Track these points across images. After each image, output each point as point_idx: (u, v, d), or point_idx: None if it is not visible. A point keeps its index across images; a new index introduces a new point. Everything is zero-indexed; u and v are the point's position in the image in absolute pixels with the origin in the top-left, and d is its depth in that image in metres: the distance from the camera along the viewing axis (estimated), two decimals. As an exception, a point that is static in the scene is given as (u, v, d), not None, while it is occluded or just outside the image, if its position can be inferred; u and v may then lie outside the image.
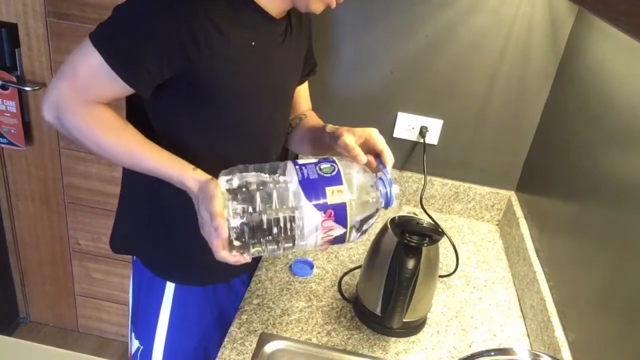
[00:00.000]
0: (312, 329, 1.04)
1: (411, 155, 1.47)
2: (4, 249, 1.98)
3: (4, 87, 1.63)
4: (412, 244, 0.98)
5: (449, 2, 1.29)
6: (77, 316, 2.10)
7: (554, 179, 1.22)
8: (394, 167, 1.48)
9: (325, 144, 0.98)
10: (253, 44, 0.91)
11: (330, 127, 0.98)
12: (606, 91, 1.02)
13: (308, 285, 1.16)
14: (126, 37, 0.83)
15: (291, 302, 1.11)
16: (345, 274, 1.21)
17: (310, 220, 0.78)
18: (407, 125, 1.43)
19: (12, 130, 1.70)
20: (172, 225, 1.03)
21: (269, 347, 0.99)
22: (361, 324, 1.08)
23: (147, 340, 1.11)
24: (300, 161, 0.86)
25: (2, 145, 1.74)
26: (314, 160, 0.86)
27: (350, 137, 0.90)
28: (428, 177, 1.46)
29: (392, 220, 1.05)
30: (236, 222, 0.75)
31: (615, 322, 0.83)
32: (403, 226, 1.03)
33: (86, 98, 0.86)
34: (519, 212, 1.37)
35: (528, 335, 1.12)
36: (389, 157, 0.90)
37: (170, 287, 1.08)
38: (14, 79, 1.62)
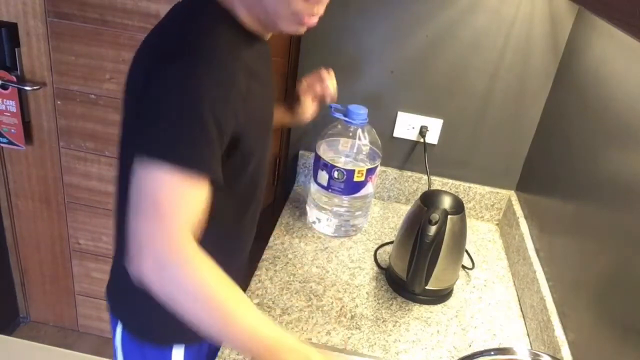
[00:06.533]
0: (312, 329, 1.04)
1: (411, 154, 1.47)
2: (4, 249, 1.98)
3: (4, 87, 1.63)
4: (434, 213, 1.08)
5: (449, 2, 1.29)
6: (77, 316, 2.10)
7: (554, 178, 1.22)
8: (393, 166, 1.49)
9: (284, 112, 1.19)
10: (262, 74, 0.88)
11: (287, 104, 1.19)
12: (606, 91, 1.02)
13: (308, 285, 1.16)
14: (191, 127, 0.70)
15: (291, 301, 1.11)
16: (380, 246, 1.32)
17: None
18: (407, 125, 1.43)
19: (12, 130, 1.70)
20: None
21: (269, 347, 0.99)
22: (362, 323, 1.08)
23: None
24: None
25: (2, 145, 1.74)
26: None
27: (304, 84, 1.16)
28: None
29: (422, 194, 1.17)
30: None
31: (615, 322, 0.83)
32: (430, 199, 1.13)
33: (181, 228, 0.70)
34: (519, 211, 1.37)
35: (528, 335, 1.12)
36: (332, 85, 1.16)
37: (178, 351, 0.99)
38: (14, 79, 1.62)
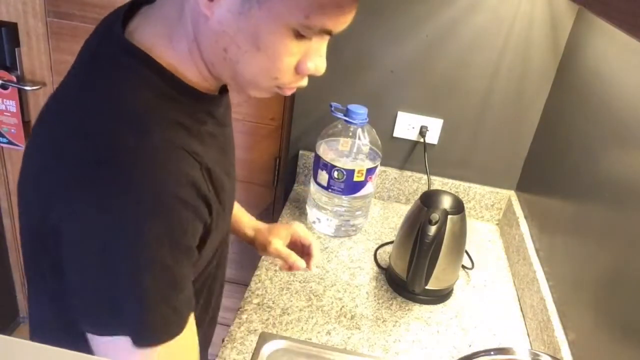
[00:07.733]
0: (312, 329, 1.04)
1: (411, 154, 1.47)
2: (4, 248, 1.98)
3: (4, 87, 1.63)
4: (435, 213, 1.08)
5: (449, 2, 1.28)
6: (77, 316, 2.10)
7: (554, 178, 1.22)
8: (393, 166, 1.49)
9: (248, 240, 1.01)
10: (220, 145, 0.71)
11: (251, 230, 1.00)
12: (606, 91, 1.02)
13: (308, 285, 1.16)
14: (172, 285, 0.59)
15: (291, 301, 1.11)
16: (380, 246, 1.32)
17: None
18: (407, 125, 1.43)
19: (12, 130, 1.70)
20: None
21: (269, 347, 0.99)
22: (362, 323, 1.08)
23: None
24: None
25: (2, 145, 1.74)
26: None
27: (279, 242, 0.95)
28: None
29: (422, 194, 1.17)
30: None
31: (615, 322, 0.83)
32: (430, 198, 1.13)
33: None
34: (518, 211, 1.37)
35: (528, 334, 1.12)
36: (316, 249, 0.99)
37: None
38: (14, 79, 1.62)
